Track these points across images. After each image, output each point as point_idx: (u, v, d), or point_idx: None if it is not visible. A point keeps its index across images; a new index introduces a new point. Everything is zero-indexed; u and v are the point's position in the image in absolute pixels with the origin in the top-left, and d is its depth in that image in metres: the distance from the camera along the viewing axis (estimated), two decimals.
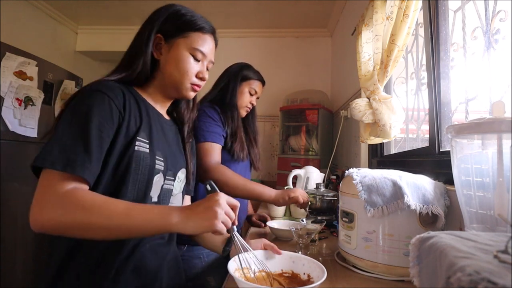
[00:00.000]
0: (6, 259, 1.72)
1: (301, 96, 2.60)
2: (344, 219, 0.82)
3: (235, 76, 1.26)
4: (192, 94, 0.79)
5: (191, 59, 0.75)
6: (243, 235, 1.37)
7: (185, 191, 0.87)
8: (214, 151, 1.12)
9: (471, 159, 0.52)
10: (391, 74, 1.18)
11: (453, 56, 0.98)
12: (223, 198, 0.61)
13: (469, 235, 0.36)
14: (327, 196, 1.27)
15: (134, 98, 0.72)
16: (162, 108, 0.82)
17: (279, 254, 0.70)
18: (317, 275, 0.62)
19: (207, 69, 0.80)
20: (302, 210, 1.42)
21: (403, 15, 1.04)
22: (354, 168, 0.83)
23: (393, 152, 1.50)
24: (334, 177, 1.85)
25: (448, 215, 0.74)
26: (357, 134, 1.57)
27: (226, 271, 0.62)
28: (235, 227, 0.66)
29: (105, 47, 3.12)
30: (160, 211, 0.58)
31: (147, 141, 0.69)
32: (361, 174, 0.79)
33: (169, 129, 0.82)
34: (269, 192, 1.14)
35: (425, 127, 1.12)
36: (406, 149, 1.36)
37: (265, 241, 0.76)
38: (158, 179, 0.71)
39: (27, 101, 1.87)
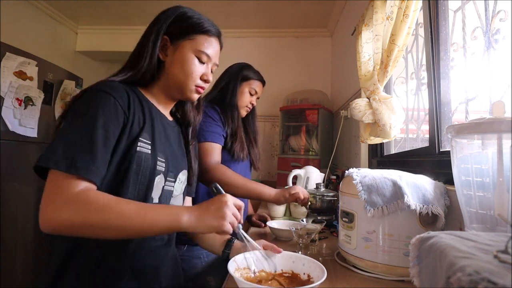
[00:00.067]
0: (6, 259, 1.72)
1: (301, 96, 2.60)
2: (344, 219, 0.82)
3: (235, 76, 1.26)
4: (195, 96, 0.80)
5: (196, 61, 0.76)
6: None
7: (186, 192, 0.87)
8: (214, 151, 1.12)
9: (471, 159, 0.52)
10: (391, 74, 1.18)
11: (453, 56, 0.98)
12: (231, 200, 0.63)
13: (469, 235, 0.36)
14: (327, 196, 1.27)
15: (138, 98, 0.72)
16: (165, 109, 0.82)
17: (280, 252, 0.70)
18: (317, 275, 0.62)
19: (211, 71, 0.81)
20: (302, 210, 1.43)
21: (403, 15, 1.04)
22: (354, 168, 0.83)
23: (393, 152, 1.50)
24: (334, 177, 1.85)
25: (448, 215, 0.74)
26: (357, 134, 1.57)
27: (226, 271, 0.62)
28: (240, 225, 0.68)
29: (105, 47, 3.13)
30: (170, 211, 0.60)
31: (149, 142, 0.70)
32: (361, 174, 0.79)
33: (172, 130, 0.82)
34: (269, 191, 1.14)
35: (425, 127, 1.12)
36: (406, 149, 1.36)
37: (264, 242, 0.76)
38: (159, 180, 0.72)
39: (27, 101, 1.87)
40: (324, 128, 2.34)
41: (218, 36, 0.81)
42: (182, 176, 0.82)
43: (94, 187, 0.60)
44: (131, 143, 0.66)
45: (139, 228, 0.58)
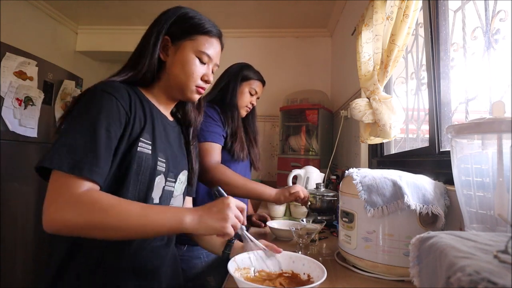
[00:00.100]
0: (6, 259, 1.72)
1: (301, 96, 2.60)
2: (344, 219, 0.82)
3: (235, 76, 1.26)
4: (196, 97, 0.80)
5: (197, 61, 0.76)
6: None
7: (187, 193, 0.88)
8: (214, 151, 1.12)
9: (471, 159, 0.52)
10: (391, 74, 1.18)
11: (453, 56, 0.98)
12: (233, 202, 0.63)
13: (469, 235, 0.36)
14: (327, 196, 1.27)
15: (139, 98, 0.72)
16: (165, 109, 0.82)
17: (280, 252, 0.70)
18: (317, 275, 0.62)
19: (212, 72, 0.81)
20: (302, 210, 1.43)
21: (403, 15, 1.04)
22: (354, 168, 0.83)
23: (393, 152, 1.50)
24: (334, 177, 1.85)
25: (448, 215, 0.74)
26: (357, 134, 1.57)
27: (226, 271, 0.62)
28: (244, 227, 0.68)
29: (105, 47, 3.13)
30: (173, 212, 0.60)
31: (150, 142, 0.70)
32: (361, 174, 0.79)
33: (172, 131, 0.82)
34: (270, 191, 1.14)
35: (425, 127, 1.12)
36: (406, 149, 1.36)
37: (264, 242, 0.76)
38: (159, 181, 0.72)
39: (27, 101, 1.87)
40: (324, 128, 2.34)
41: (219, 36, 0.81)
42: (182, 176, 0.82)
43: (97, 187, 0.60)
44: (132, 143, 0.66)
45: (141, 229, 0.58)
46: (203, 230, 0.60)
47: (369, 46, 1.34)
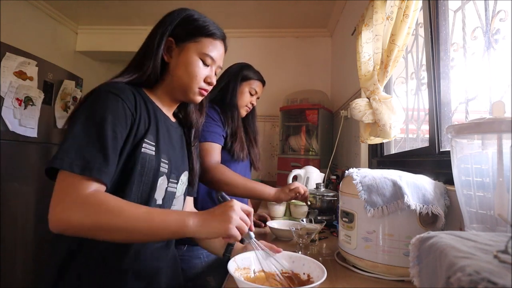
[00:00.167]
0: (6, 259, 1.72)
1: (301, 96, 2.60)
2: (344, 219, 0.82)
3: (235, 76, 1.26)
4: (199, 98, 0.80)
5: (201, 63, 0.76)
6: None
7: (188, 193, 0.88)
8: (214, 151, 1.12)
9: (471, 159, 0.52)
10: (391, 74, 1.18)
11: (453, 56, 0.98)
12: (237, 204, 0.63)
13: (469, 235, 0.36)
14: (327, 196, 1.27)
15: (143, 100, 0.72)
16: (168, 111, 0.82)
17: (279, 252, 0.70)
18: (317, 275, 0.62)
19: (215, 74, 0.81)
20: (302, 210, 1.43)
21: (403, 15, 1.04)
22: (354, 168, 0.83)
23: (393, 152, 1.50)
24: (334, 177, 1.85)
25: (448, 215, 0.74)
26: (357, 134, 1.57)
27: (226, 271, 0.62)
28: (252, 234, 0.67)
29: (105, 47, 3.13)
30: (177, 216, 0.60)
31: (154, 144, 0.70)
32: (361, 174, 0.79)
33: (175, 132, 0.82)
34: (269, 190, 1.14)
35: (425, 127, 1.12)
36: (406, 149, 1.36)
37: (264, 243, 0.76)
38: (162, 182, 0.72)
39: (27, 101, 1.87)
40: (324, 128, 2.34)
41: (223, 39, 0.81)
42: (184, 177, 0.83)
43: (103, 188, 0.60)
44: (136, 144, 0.66)
45: (145, 232, 0.58)
46: (206, 233, 0.60)
47: (369, 46, 1.34)
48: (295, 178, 1.59)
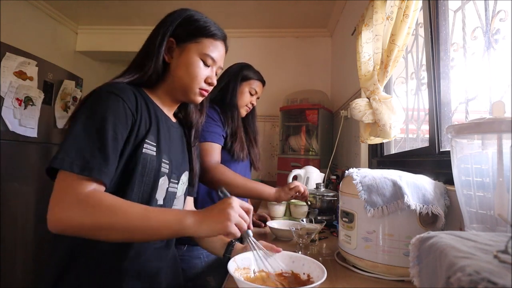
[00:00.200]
0: (6, 259, 1.72)
1: (301, 96, 2.60)
2: (344, 219, 0.82)
3: (235, 76, 1.26)
4: (199, 99, 0.80)
5: (201, 64, 0.76)
6: None
7: (188, 193, 0.88)
8: (214, 151, 1.12)
9: (471, 159, 0.52)
10: (391, 74, 1.18)
11: (453, 56, 0.98)
12: (236, 202, 0.63)
13: (469, 235, 0.36)
14: (327, 196, 1.27)
15: (144, 100, 0.72)
16: (169, 111, 0.83)
17: (279, 252, 0.70)
18: (317, 275, 0.62)
19: (216, 74, 0.81)
20: (302, 210, 1.43)
21: (403, 15, 1.04)
22: (354, 168, 0.83)
23: (393, 152, 1.50)
24: (334, 177, 1.85)
25: (448, 215, 0.74)
26: (357, 134, 1.57)
27: (226, 271, 0.62)
28: (250, 231, 0.67)
29: (105, 47, 3.13)
30: (175, 215, 0.60)
31: (155, 144, 0.70)
32: (361, 174, 0.79)
33: (175, 132, 0.82)
34: (269, 190, 1.14)
35: (425, 127, 1.12)
36: (406, 149, 1.36)
37: (263, 243, 0.76)
38: (163, 182, 0.72)
39: (27, 101, 1.87)
40: (324, 128, 2.34)
41: (224, 39, 0.81)
42: (184, 177, 0.83)
43: (103, 188, 0.60)
44: (137, 145, 0.66)
45: (144, 231, 0.58)
46: (205, 231, 0.59)
47: (369, 46, 1.34)
48: (295, 178, 1.59)
